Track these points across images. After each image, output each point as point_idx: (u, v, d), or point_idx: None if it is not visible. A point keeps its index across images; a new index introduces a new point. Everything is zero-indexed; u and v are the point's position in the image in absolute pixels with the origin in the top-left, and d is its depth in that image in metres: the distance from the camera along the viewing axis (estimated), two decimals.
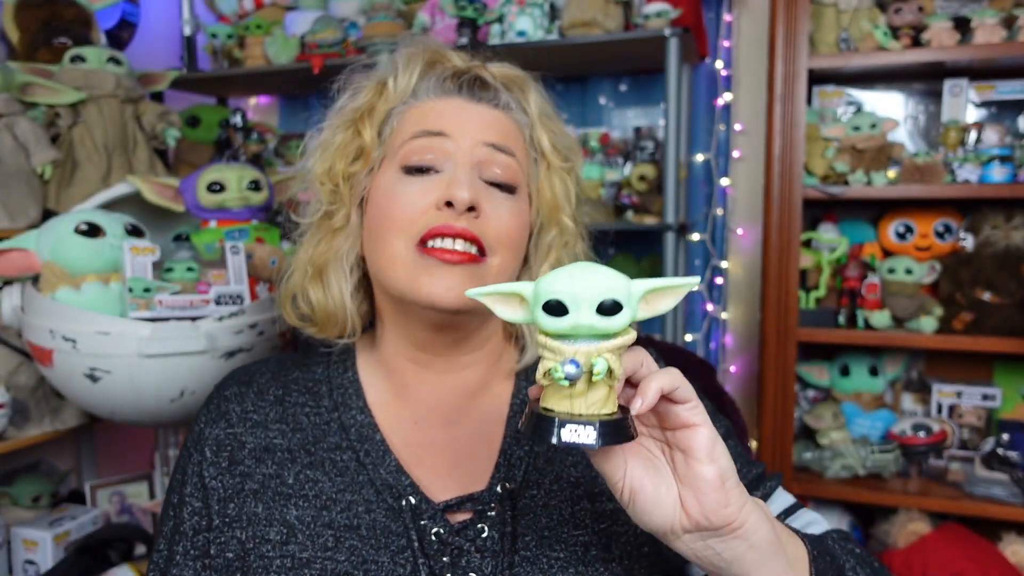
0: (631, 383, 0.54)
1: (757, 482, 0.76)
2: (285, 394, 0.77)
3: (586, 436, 0.49)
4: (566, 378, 0.48)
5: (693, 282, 0.52)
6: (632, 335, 0.51)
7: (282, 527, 0.68)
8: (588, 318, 0.48)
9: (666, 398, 0.52)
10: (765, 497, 0.75)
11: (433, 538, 0.67)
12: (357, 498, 0.69)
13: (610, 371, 0.49)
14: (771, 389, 1.67)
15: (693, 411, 0.53)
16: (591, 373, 0.49)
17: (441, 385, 0.77)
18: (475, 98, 0.75)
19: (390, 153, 0.74)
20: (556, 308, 0.48)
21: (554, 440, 0.49)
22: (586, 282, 0.48)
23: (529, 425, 0.52)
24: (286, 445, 0.73)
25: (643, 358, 0.53)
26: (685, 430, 0.53)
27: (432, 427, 0.75)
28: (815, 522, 0.73)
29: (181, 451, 0.77)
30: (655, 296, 0.52)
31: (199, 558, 0.70)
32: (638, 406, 0.50)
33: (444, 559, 0.66)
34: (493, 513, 0.69)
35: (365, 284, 0.79)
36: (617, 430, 0.50)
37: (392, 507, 0.69)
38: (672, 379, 0.52)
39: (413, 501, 0.69)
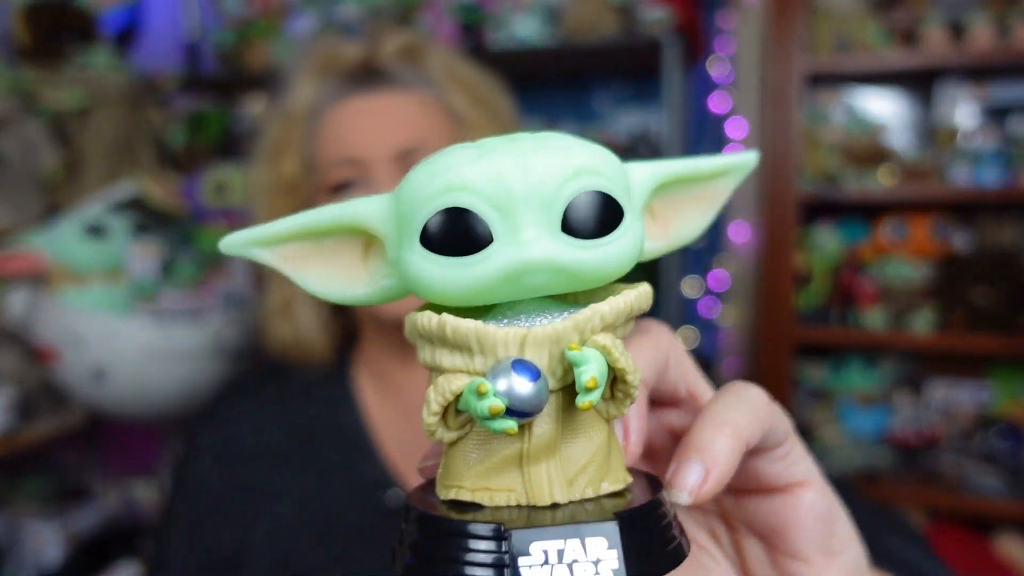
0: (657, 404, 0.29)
1: None
2: (279, 396, 0.78)
3: (598, 560, 0.20)
4: (510, 411, 0.21)
5: (747, 162, 0.28)
6: (647, 288, 0.24)
7: (269, 526, 0.70)
8: (546, 247, 0.21)
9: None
10: None
11: None
12: (343, 496, 0.71)
13: (615, 378, 0.22)
14: (767, 388, 1.68)
15: (787, 460, 0.28)
16: (571, 391, 0.21)
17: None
18: (373, 90, 0.74)
19: (318, 181, 0.74)
20: (460, 233, 0.21)
21: None
22: (529, 158, 0.21)
23: (420, 556, 0.22)
24: (279, 446, 0.74)
25: (665, 340, 0.28)
26: (775, 496, 0.29)
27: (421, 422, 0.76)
28: None
29: (177, 455, 0.79)
30: (677, 195, 0.26)
31: (191, 558, 0.71)
32: (695, 480, 0.24)
33: None
34: None
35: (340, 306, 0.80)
36: (657, 531, 0.22)
37: (376, 503, 0.70)
38: (754, 406, 0.27)
39: (395, 496, 0.70)
